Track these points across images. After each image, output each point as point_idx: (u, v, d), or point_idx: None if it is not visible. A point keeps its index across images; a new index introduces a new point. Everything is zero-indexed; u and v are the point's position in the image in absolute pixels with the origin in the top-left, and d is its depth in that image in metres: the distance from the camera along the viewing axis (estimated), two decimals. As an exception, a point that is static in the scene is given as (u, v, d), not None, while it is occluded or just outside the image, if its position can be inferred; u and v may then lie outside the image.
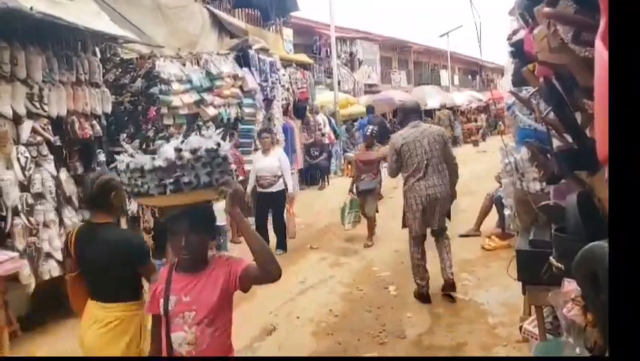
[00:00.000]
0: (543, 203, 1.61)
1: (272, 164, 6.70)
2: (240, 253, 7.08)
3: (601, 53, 0.71)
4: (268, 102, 9.49)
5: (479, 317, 4.43)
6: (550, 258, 1.43)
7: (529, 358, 3.65)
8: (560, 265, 1.37)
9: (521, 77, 2.03)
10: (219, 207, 6.29)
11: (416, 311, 4.54)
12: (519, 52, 1.61)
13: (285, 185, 6.74)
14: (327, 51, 17.46)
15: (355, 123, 16.62)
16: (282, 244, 6.88)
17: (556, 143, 1.56)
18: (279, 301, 5.04)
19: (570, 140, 1.43)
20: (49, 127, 4.75)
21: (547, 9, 1.12)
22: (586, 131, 1.39)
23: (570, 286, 1.49)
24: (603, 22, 0.77)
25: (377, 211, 7.16)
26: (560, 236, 1.39)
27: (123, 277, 2.58)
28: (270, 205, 6.84)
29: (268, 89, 9.33)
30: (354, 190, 7.20)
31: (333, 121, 13.42)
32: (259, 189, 6.79)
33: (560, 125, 1.43)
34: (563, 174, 1.53)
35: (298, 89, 11.26)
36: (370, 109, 14.73)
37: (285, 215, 6.90)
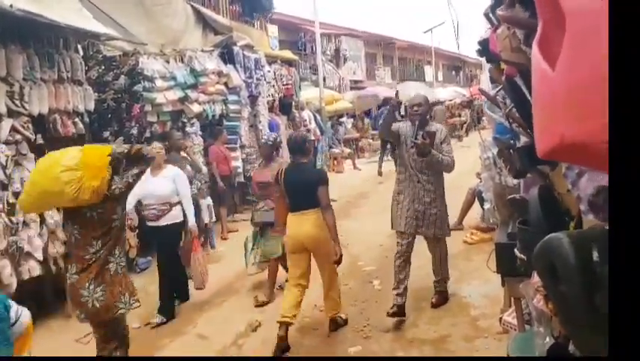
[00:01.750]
0: (510, 197, 1.67)
1: (161, 187, 4.77)
2: (227, 249, 7.11)
3: (536, 57, 0.75)
4: (253, 99, 9.49)
5: (462, 309, 4.51)
6: (515, 250, 1.49)
7: (531, 358, 3.72)
8: (523, 256, 1.42)
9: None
10: (207, 203, 6.13)
11: (400, 305, 4.61)
12: (485, 50, 1.67)
13: (184, 216, 4.90)
14: (312, 47, 17.46)
15: (342, 119, 16.69)
16: (180, 295, 5.13)
17: (523, 138, 1.62)
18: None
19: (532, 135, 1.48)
20: (30, 125, 4.72)
21: (501, 12, 1.17)
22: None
23: (537, 277, 1.55)
24: (540, 28, 0.80)
25: (282, 252, 4.75)
26: (522, 228, 1.45)
27: (313, 193, 3.97)
28: (158, 245, 5.09)
29: (253, 85, 9.33)
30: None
31: (318, 117, 13.46)
32: (147, 223, 5.03)
33: (521, 121, 1.48)
34: (524, 168, 1.59)
35: (283, 85, 11.26)
36: (387, 100, 15.29)
37: (191, 257, 4.97)
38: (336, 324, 4.27)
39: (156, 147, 4.71)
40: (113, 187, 2.98)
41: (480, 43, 1.75)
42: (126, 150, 3.13)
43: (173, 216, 4.85)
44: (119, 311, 3.06)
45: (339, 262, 3.99)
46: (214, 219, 7.21)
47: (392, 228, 4.51)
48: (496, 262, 3.31)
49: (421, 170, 4.23)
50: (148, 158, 3.32)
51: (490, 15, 1.57)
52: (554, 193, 1.43)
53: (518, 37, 1.16)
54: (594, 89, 0.63)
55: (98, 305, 2.97)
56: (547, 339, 1.48)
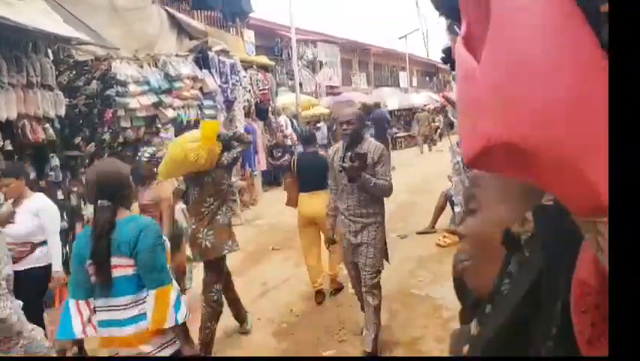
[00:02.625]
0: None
1: (19, 224, 3.52)
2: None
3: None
4: (229, 104, 9.46)
5: (434, 311, 4.57)
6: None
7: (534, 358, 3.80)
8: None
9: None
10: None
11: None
12: (449, 58, 1.72)
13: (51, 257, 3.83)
14: (288, 53, 17.50)
15: (318, 124, 16.75)
16: None
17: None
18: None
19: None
20: (-1, 131, 4.64)
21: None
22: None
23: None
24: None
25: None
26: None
27: (322, 176, 4.52)
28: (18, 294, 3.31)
29: (229, 90, 9.31)
30: None
31: (295, 122, 13.49)
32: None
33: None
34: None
35: (260, 90, 11.26)
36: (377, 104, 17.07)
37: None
38: (336, 283, 5.19)
39: (4, 182, 3.68)
40: (222, 159, 3.81)
41: (444, 51, 1.80)
42: (230, 134, 4.08)
43: (34, 259, 3.74)
44: (224, 252, 3.87)
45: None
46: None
47: None
48: (467, 264, 3.40)
49: (354, 193, 3.69)
50: (247, 141, 4.10)
51: (452, 26, 1.62)
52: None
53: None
54: (517, 84, 0.57)
55: (209, 245, 3.77)
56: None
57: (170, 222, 4.36)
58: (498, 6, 0.62)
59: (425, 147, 19.38)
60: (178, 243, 4.62)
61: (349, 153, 3.53)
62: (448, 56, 1.72)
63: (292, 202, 5.18)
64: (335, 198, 3.93)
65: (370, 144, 3.73)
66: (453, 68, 1.87)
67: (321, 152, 5.48)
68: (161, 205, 4.34)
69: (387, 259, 3.93)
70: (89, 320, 2.33)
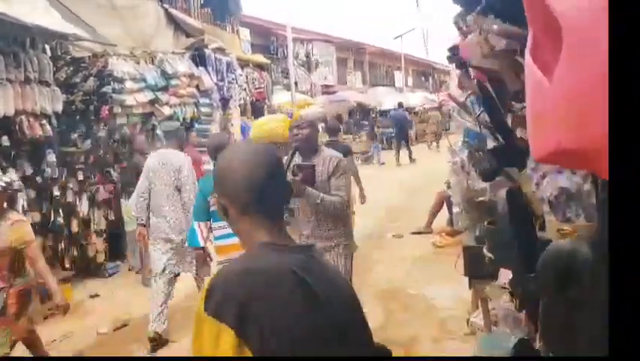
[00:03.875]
0: (480, 199, 1.74)
1: None
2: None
3: (530, 66, 0.77)
4: (225, 102, 9.44)
5: (430, 311, 4.60)
6: (483, 249, 1.56)
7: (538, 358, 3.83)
8: (490, 255, 1.49)
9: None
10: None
11: (369, 308, 4.67)
12: (455, 57, 1.74)
13: None
14: (284, 52, 17.48)
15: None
16: None
17: (490, 142, 1.69)
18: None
19: (500, 139, 1.55)
20: (-6, 126, 4.61)
21: (489, 24, 1.22)
22: (516, 131, 1.52)
23: (504, 278, 1.62)
24: (530, 37, 0.82)
25: None
26: (490, 228, 1.51)
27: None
28: None
29: (225, 88, 9.29)
30: None
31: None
32: None
33: (490, 125, 1.55)
34: (492, 170, 1.66)
35: (255, 89, 11.24)
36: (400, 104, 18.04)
37: None
38: None
39: None
40: None
41: (450, 49, 1.81)
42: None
43: None
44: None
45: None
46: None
47: None
48: (465, 265, 3.40)
49: (309, 215, 3.16)
50: None
51: (460, 22, 1.63)
52: (522, 194, 1.50)
53: (490, 44, 1.22)
54: (593, 100, 0.66)
55: None
56: (513, 338, 1.55)
57: (53, 279, 3.37)
58: (574, 31, 0.67)
59: (434, 144, 19.64)
60: None
61: (293, 165, 2.96)
62: (455, 54, 1.74)
63: None
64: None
65: (325, 154, 3.18)
66: (458, 67, 1.89)
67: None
68: (26, 251, 3.22)
69: None
70: (207, 236, 3.57)
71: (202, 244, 3.68)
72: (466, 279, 3.48)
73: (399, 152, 15.99)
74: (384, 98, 22.87)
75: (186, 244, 4.07)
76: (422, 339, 4.05)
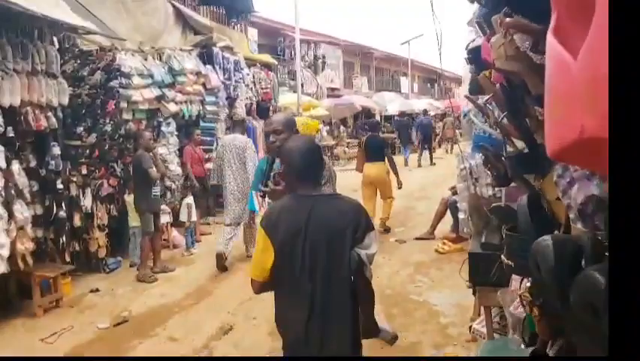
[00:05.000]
0: (495, 205, 1.70)
1: None
2: (199, 251, 7.04)
3: (553, 46, 0.73)
4: (231, 101, 9.43)
5: (432, 317, 4.57)
6: (502, 256, 1.52)
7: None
8: (510, 262, 1.46)
9: (477, 85, 2.14)
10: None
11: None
12: (476, 59, 1.70)
13: None
14: (291, 53, 17.48)
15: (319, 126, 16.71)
16: None
17: (508, 148, 1.66)
18: (237, 301, 5.04)
19: (520, 145, 1.52)
20: (0, 117, 4.58)
21: (508, 19, 1.19)
22: (535, 136, 1.49)
23: (517, 285, 1.59)
24: (554, 18, 0.79)
25: None
26: (511, 235, 1.48)
27: (382, 151, 7.43)
28: None
29: (231, 87, 9.27)
30: None
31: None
32: None
33: (513, 130, 1.52)
34: (513, 176, 1.63)
35: (262, 89, 11.22)
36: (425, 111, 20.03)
37: None
38: (384, 226, 7.58)
39: None
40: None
41: (470, 51, 1.78)
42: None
43: None
44: None
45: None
46: (194, 218, 7.12)
47: None
48: (470, 272, 3.37)
49: None
50: None
51: (483, 23, 1.60)
52: (542, 201, 1.47)
53: (515, 45, 1.19)
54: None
55: None
56: (523, 345, 1.52)
57: None
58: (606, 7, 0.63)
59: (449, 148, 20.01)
60: None
61: (272, 174, 2.69)
62: (475, 56, 1.70)
63: (359, 169, 7.57)
64: None
65: None
66: (478, 70, 1.85)
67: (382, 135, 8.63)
68: None
69: None
70: (262, 203, 4.38)
71: (257, 208, 5.07)
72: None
73: (421, 154, 17.01)
74: (389, 104, 22.87)
75: (247, 206, 5.98)
76: (424, 345, 4.02)
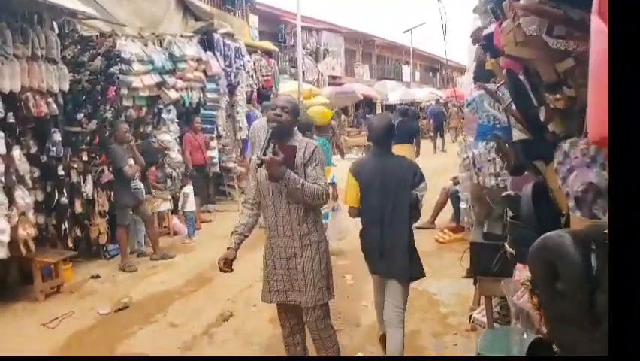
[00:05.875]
0: (505, 193, 1.69)
1: None
2: (200, 239, 7.05)
3: (598, 25, 0.71)
4: (232, 88, 9.38)
5: (432, 306, 4.58)
6: (505, 244, 1.52)
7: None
8: (512, 250, 1.45)
9: (484, 72, 2.12)
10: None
11: (371, 300, 4.64)
12: (489, 45, 1.68)
13: None
14: (292, 40, 17.37)
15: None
16: None
17: (516, 134, 1.64)
18: (237, 288, 5.06)
19: (529, 131, 1.50)
20: (0, 102, 4.55)
21: (522, 2, 1.17)
22: (549, 125, 1.48)
23: (521, 274, 1.58)
24: (596, 1, 0.77)
25: None
26: (514, 223, 1.47)
27: (410, 134, 8.82)
28: None
29: (232, 74, 9.22)
30: None
31: (296, 111, 13.39)
32: None
33: (519, 116, 1.50)
34: (521, 163, 1.61)
35: (263, 76, 11.16)
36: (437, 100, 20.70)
37: None
38: None
39: None
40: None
41: (485, 37, 1.75)
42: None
43: None
44: None
45: None
46: (188, 208, 7.12)
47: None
48: (471, 261, 3.37)
49: (282, 207, 2.87)
50: None
51: (496, 8, 1.56)
52: (547, 190, 1.45)
53: (523, 31, 1.17)
54: None
55: None
56: (525, 335, 1.52)
57: None
58: None
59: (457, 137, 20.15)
60: None
61: (272, 145, 2.69)
62: (489, 43, 1.68)
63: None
64: (247, 213, 3.06)
65: (302, 140, 2.93)
66: (493, 55, 1.82)
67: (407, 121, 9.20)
68: None
69: (332, 293, 3.05)
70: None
71: None
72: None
73: (436, 142, 17.73)
74: (391, 93, 22.76)
75: None
76: (423, 333, 4.03)
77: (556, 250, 0.92)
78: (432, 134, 18.54)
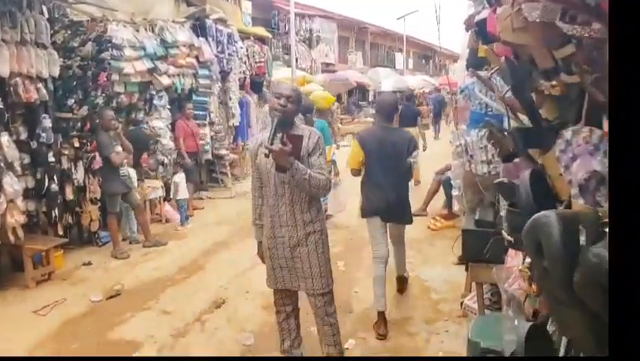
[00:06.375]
0: (497, 180, 1.70)
1: None
2: (192, 226, 7.03)
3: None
4: (224, 75, 9.31)
5: (423, 293, 4.61)
6: (502, 231, 1.52)
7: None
8: (510, 238, 1.45)
9: (476, 59, 2.12)
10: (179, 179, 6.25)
11: (363, 287, 4.67)
12: (482, 31, 1.67)
13: None
14: (285, 27, 17.22)
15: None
16: None
17: (510, 122, 1.64)
18: (230, 275, 5.07)
19: (524, 119, 1.50)
20: (-12, 87, 4.50)
21: None
22: (541, 111, 1.48)
23: (513, 261, 1.60)
24: None
25: None
26: (512, 211, 1.47)
27: (414, 118, 9.74)
28: None
29: (225, 60, 9.14)
30: None
31: (289, 98, 13.33)
32: None
33: (517, 104, 1.50)
34: (518, 151, 1.61)
35: (255, 63, 11.08)
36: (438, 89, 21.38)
37: None
38: (416, 181, 8.62)
39: None
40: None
41: (477, 23, 1.74)
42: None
43: None
44: None
45: None
46: (180, 196, 7.10)
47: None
48: (462, 248, 3.39)
49: (284, 195, 2.86)
50: None
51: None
52: (545, 177, 1.46)
53: (523, 16, 1.16)
54: None
55: None
56: (516, 322, 1.53)
57: None
58: None
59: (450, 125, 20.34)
60: None
61: (279, 135, 2.64)
62: (481, 29, 1.67)
63: None
64: (259, 202, 3.08)
65: (305, 129, 2.93)
66: (485, 42, 1.82)
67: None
68: None
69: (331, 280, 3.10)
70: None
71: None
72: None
73: (436, 127, 18.34)
74: (384, 80, 22.67)
75: None
76: (415, 320, 4.06)
77: (542, 229, 0.94)
78: (432, 120, 19.10)
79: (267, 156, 2.63)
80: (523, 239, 1.05)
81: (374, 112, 5.93)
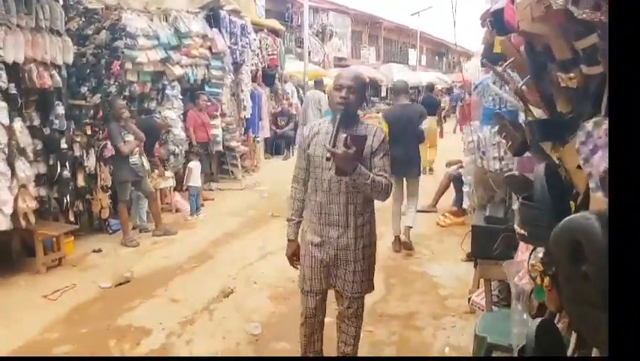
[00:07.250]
0: (509, 174, 1.66)
1: None
2: (207, 211, 7.06)
3: None
4: (237, 66, 9.32)
5: (431, 288, 4.60)
6: (515, 225, 1.50)
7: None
8: (523, 232, 1.43)
9: (491, 55, 2.09)
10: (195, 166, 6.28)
11: (372, 281, 4.68)
12: (498, 22, 1.64)
13: None
14: (298, 20, 17.18)
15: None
16: None
17: (523, 116, 1.62)
18: (238, 266, 5.09)
19: (538, 113, 1.48)
20: (3, 73, 4.52)
21: None
22: (557, 104, 1.45)
23: (523, 256, 1.58)
24: None
25: None
26: (526, 204, 1.44)
27: (434, 107, 10.85)
28: None
29: (238, 52, 9.15)
30: None
31: (301, 92, 13.32)
32: None
33: (534, 96, 1.48)
34: (533, 143, 1.59)
35: (268, 55, 11.07)
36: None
37: None
38: (430, 166, 9.95)
39: None
40: None
41: (493, 13, 1.72)
42: None
43: None
44: None
45: None
46: (193, 183, 7.11)
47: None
48: (472, 244, 3.39)
49: (339, 194, 2.61)
50: None
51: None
52: (560, 170, 1.44)
53: (544, 5, 1.14)
54: None
55: None
56: (525, 316, 1.52)
57: None
58: None
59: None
60: None
61: (343, 135, 2.38)
62: (498, 19, 1.64)
63: None
64: (300, 196, 2.80)
65: (368, 127, 2.65)
66: (500, 33, 1.79)
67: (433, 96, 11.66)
68: None
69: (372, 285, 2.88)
70: None
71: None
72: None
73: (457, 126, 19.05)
74: (397, 76, 22.56)
75: None
76: (422, 315, 4.06)
77: (584, 232, 0.91)
78: (452, 113, 19.60)
79: (327, 159, 2.41)
80: (555, 238, 1.03)
81: (392, 94, 7.75)
